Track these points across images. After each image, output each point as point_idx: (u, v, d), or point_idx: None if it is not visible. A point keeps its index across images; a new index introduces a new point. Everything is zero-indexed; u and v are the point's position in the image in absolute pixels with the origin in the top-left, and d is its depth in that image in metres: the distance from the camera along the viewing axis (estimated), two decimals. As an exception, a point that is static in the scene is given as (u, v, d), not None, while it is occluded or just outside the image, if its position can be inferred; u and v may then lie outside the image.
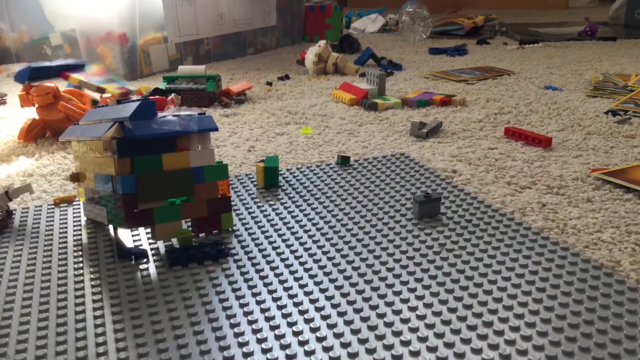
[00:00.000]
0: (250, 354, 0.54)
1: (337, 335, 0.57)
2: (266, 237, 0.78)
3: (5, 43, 2.00)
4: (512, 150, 1.12)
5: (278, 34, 2.50)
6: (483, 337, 0.56)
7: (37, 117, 1.23)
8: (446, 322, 0.59)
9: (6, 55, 2.00)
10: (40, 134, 1.24)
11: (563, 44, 2.47)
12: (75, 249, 0.76)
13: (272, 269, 0.70)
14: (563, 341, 0.55)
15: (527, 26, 2.98)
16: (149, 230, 0.80)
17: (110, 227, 0.80)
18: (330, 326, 0.58)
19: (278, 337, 0.57)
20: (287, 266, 0.70)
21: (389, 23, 3.08)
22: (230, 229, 0.80)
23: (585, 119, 1.31)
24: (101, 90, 1.35)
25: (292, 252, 0.74)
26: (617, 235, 0.77)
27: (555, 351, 0.54)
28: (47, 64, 1.30)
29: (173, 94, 1.46)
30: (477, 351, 0.54)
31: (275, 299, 0.63)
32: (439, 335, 0.57)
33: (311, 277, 0.68)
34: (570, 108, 1.40)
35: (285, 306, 0.62)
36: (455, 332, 0.57)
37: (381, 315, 0.60)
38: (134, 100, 0.75)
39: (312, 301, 0.63)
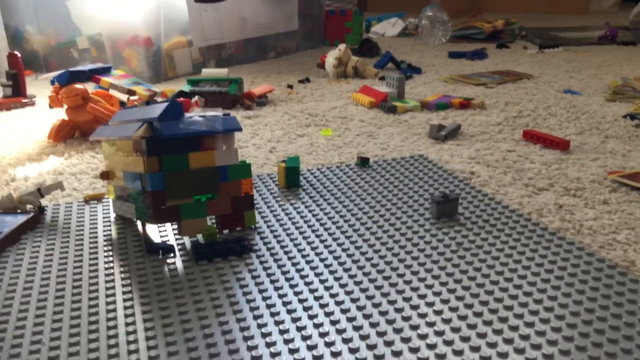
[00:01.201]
0: (273, 343, 0.57)
1: (356, 328, 0.59)
2: (287, 234, 0.80)
3: (34, 46, 2.05)
4: (530, 152, 1.13)
5: (299, 38, 2.53)
6: (498, 332, 0.58)
7: (66, 118, 1.27)
8: (462, 318, 0.61)
9: (34, 58, 2.06)
10: (69, 135, 1.28)
11: (583, 48, 2.47)
12: (105, 244, 0.79)
13: (294, 264, 0.72)
14: (576, 337, 0.57)
15: (547, 30, 2.98)
16: (175, 226, 0.83)
17: (139, 223, 0.83)
18: (350, 319, 0.61)
19: (299, 329, 0.59)
20: (307, 262, 0.73)
21: (409, 27, 3.10)
22: (253, 226, 0.83)
23: (604, 123, 1.32)
24: (131, 93, 1.38)
25: (312, 248, 0.76)
26: (632, 236, 0.78)
27: (568, 346, 0.56)
28: (80, 68, 1.34)
29: (197, 97, 1.50)
30: (492, 345, 0.56)
31: (296, 293, 0.66)
32: (455, 330, 0.59)
33: (331, 272, 0.70)
34: (588, 112, 1.41)
35: (306, 300, 0.64)
36: (472, 326, 0.59)
37: (399, 310, 0.62)
38: (161, 102, 0.78)
39: (332, 295, 0.65)
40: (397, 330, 0.59)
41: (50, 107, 1.37)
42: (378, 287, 0.67)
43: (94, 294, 0.67)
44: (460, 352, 0.55)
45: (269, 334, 0.58)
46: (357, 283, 0.68)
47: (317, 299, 0.65)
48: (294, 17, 2.42)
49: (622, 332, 0.57)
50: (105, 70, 1.43)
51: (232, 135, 0.80)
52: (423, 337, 0.58)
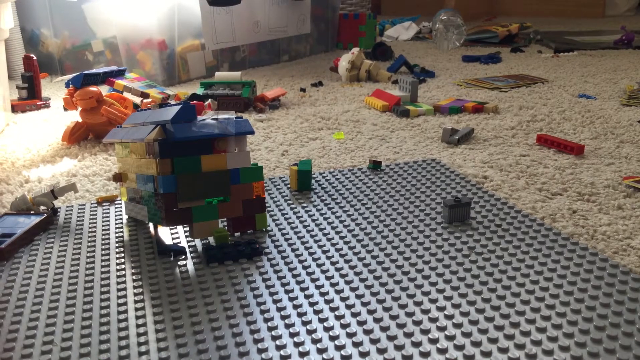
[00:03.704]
0: (283, 346, 0.57)
1: (367, 332, 0.59)
2: (299, 237, 0.80)
3: (49, 49, 2.07)
4: (544, 157, 1.12)
5: (312, 41, 2.54)
6: (510, 337, 0.58)
7: (80, 120, 1.28)
8: (473, 322, 0.60)
9: (49, 61, 2.08)
10: (83, 137, 1.29)
11: (598, 52, 2.45)
12: (117, 245, 0.80)
13: (304, 267, 0.72)
14: (589, 343, 0.57)
15: (562, 34, 2.96)
16: (187, 228, 0.84)
17: (151, 225, 0.83)
18: (360, 323, 0.60)
19: (310, 332, 0.59)
20: (318, 265, 0.73)
21: (423, 31, 3.09)
22: (264, 229, 0.83)
23: (619, 127, 1.30)
24: (145, 96, 1.39)
25: (323, 251, 0.76)
26: (647, 242, 0.77)
27: (580, 352, 0.55)
28: (95, 71, 1.36)
29: (210, 100, 1.50)
30: (504, 350, 0.56)
31: (307, 296, 0.66)
32: (466, 334, 0.58)
33: (342, 276, 0.70)
34: (603, 116, 1.40)
35: (316, 303, 0.64)
36: (483, 331, 0.59)
37: (410, 314, 0.62)
38: (175, 104, 0.79)
39: (343, 299, 0.65)
40: (408, 335, 0.58)
41: (65, 109, 1.39)
42: (389, 291, 0.66)
43: (105, 295, 0.67)
44: (471, 356, 0.55)
45: (280, 336, 0.58)
46: (368, 287, 0.67)
47: (327, 302, 0.64)
48: (307, 20, 2.43)
49: (635, 339, 0.57)
50: (120, 73, 1.44)
51: (245, 138, 0.80)
52: (434, 341, 0.57)
